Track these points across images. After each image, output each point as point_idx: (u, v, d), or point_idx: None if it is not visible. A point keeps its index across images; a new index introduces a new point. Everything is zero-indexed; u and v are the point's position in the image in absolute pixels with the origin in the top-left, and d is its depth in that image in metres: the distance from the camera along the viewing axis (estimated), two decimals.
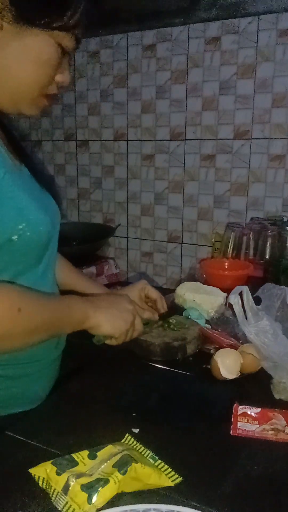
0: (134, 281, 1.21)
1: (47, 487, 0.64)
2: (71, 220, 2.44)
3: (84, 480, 0.62)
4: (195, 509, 0.58)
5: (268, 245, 1.76)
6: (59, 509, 0.62)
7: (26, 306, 0.76)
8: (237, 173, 1.96)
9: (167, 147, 2.10)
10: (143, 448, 0.72)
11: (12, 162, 0.84)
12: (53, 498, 0.63)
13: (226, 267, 1.68)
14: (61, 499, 0.62)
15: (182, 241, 2.16)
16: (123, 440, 0.75)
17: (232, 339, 1.09)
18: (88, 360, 1.05)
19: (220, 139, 1.97)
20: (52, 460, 0.66)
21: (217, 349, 1.04)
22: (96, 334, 0.91)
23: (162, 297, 1.17)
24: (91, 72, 2.23)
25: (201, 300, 1.28)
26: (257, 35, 1.81)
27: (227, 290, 1.11)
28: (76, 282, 1.10)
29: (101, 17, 2.06)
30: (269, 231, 1.76)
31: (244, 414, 0.83)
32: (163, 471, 0.68)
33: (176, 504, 0.60)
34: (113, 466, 0.64)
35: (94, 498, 0.60)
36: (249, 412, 0.83)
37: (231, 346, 1.05)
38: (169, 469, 0.68)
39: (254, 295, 1.06)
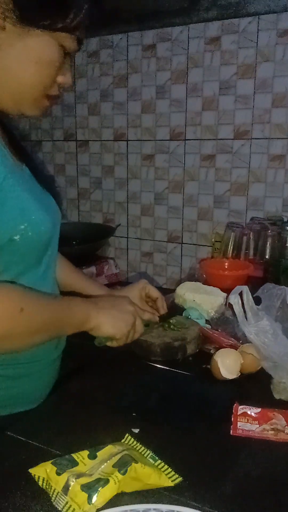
0: (134, 281, 1.21)
1: (47, 487, 0.64)
2: (71, 220, 2.44)
3: (84, 480, 0.62)
4: (195, 509, 0.58)
5: (268, 245, 1.76)
6: (59, 509, 0.62)
7: (28, 306, 0.76)
8: (237, 173, 1.96)
9: (167, 147, 2.10)
10: (143, 448, 0.72)
11: (14, 162, 0.85)
12: (53, 498, 0.63)
13: (226, 267, 1.68)
14: (61, 499, 0.62)
15: (182, 241, 2.16)
16: (123, 440, 0.75)
17: (232, 339, 1.09)
18: (88, 360, 1.05)
19: (220, 139, 1.97)
20: (52, 460, 0.66)
21: (217, 349, 1.04)
22: (97, 335, 0.91)
23: (163, 296, 1.17)
24: (91, 72, 2.23)
25: (201, 300, 1.28)
26: (257, 35, 1.81)
27: (227, 290, 1.10)
28: (76, 282, 1.10)
29: (101, 17, 2.05)
30: (269, 231, 1.76)
31: (244, 414, 0.83)
32: (163, 471, 0.68)
33: (176, 504, 0.60)
34: (113, 466, 0.64)
35: (94, 498, 0.60)
36: (249, 412, 0.83)
37: (231, 346, 1.05)
38: (169, 469, 0.68)
39: (254, 295, 1.06)
